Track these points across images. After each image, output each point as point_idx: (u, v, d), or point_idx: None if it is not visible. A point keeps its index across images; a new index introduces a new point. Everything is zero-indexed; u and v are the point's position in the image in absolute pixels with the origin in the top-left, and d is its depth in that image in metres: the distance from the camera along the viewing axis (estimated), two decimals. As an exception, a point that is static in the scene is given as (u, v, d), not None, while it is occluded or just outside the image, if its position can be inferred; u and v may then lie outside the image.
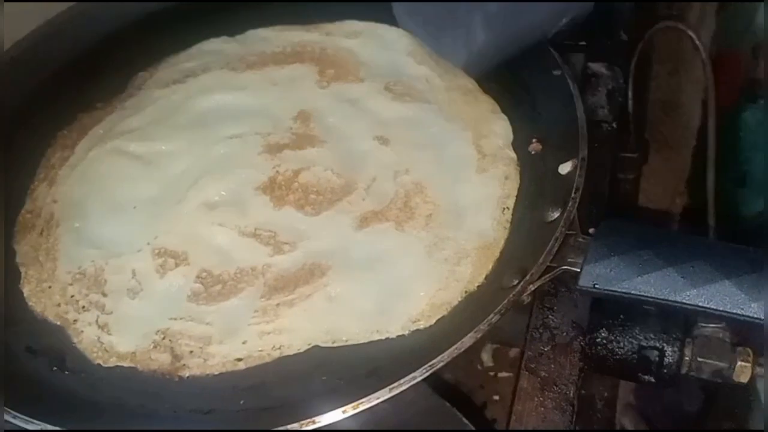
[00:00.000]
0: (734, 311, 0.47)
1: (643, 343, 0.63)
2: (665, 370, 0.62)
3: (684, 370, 0.60)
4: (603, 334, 0.63)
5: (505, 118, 0.68)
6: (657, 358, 0.62)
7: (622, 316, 0.63)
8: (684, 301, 0.49)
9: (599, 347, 0.63)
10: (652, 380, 0.62)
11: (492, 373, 0.80)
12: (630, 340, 0.63)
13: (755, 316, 0.46)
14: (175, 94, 0.74)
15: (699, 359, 0.59)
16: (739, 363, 0.58)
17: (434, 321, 0.55)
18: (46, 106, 0.75)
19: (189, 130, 0.70)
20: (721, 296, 0.48)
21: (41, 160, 0.71)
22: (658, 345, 0.62)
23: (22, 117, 0.74)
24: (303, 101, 0.71)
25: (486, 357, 0.81)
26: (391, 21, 0.79)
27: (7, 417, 0.50)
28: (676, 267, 0.49)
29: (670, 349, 0.61)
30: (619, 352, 0.63)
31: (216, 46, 0.79)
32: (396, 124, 0.69)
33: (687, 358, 0.60)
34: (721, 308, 0.48)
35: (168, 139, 0.69)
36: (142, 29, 0.82)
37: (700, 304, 0.48)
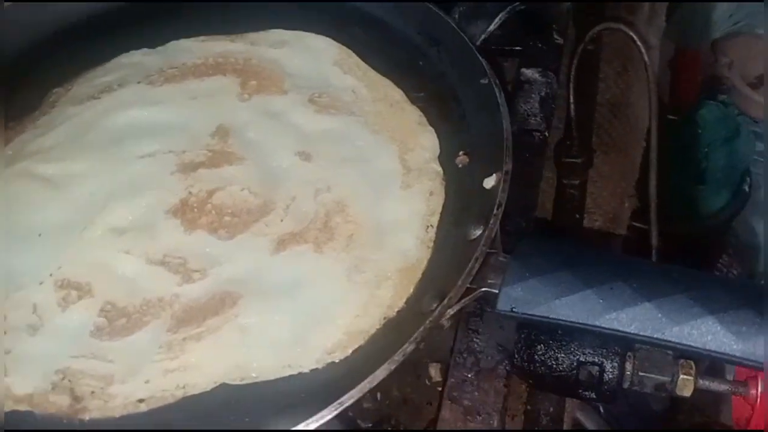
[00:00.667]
0: (654, 335, 0.45)
1: (582, 359, 0.61)
2: (606, 386, 0.60)
3: (626, 385, 0.59)
4: (540, 351, 0.61)
5: (432, 130, 0.66)
6: (597, 374, 0.60)
7: (559, 332, 0.61)
8: (602, 325, 0.47)
9: (537, 364, 0.61)
10: (593, 396, 0.61)
11: (440, 389, 0.78)
12: (568, 355, 0.61)
13: (675, 340, 0.44)
14: (89, 110, 0.70)
15: (640, 374, 0.57)
16: (681, 376, 0.56)
17: (350, 351, 0.52)
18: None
19: (101, 149, 0.66)
20: (640, 320, 0.45)
21: (-58, 186, 0.66)
22: (597, 360, 0.60)
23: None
24: (222, 115, 0.68)
25: (434, 372, 0.79)
26: (319, 30, 0.76)
27: None
28: (595, 288, 0.47)
29: (609, 364, 0.59)
30: (558, 369, 0.61)
31: (135, 58, 0.75)
32: (319, 138, 0.66)
33: (628, 373, 0.58)
34: (641, 333, 0.46)
35: (78, 159, 0.65)
36: (58, 42, 0.78)
37: (620, 328, 0.46)
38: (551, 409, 0.78)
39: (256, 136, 0.66)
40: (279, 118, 0.68)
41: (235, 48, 0.75)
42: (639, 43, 0.92)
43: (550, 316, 0.48)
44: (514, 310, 0.49)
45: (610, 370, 0.60)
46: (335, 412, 0.46)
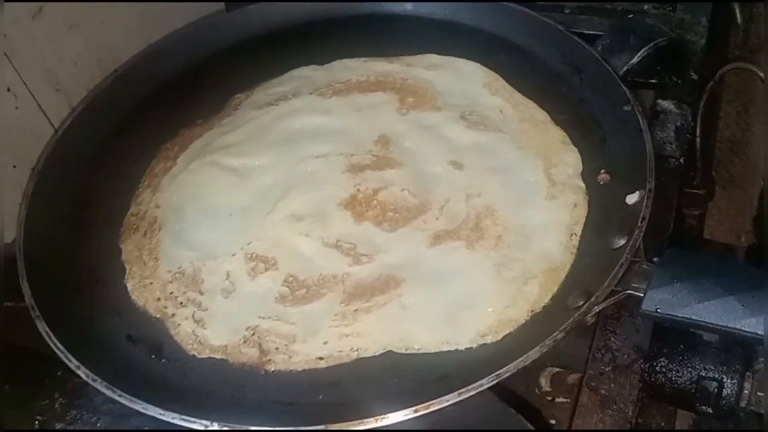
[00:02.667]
0: (794, 340, 0.49)
1: (702, 374, 0.64)
2: (723, 402, 0.63)
3: (743, 404, 0.62)
4: (663, 362, 0.64)
5: (575, 149, 0.72)
6: (715, 390, 0.64)
7: (682, 346, 0.65)
8: (743, 328, 0.51)
9: (659, 375, 0.65)
10: (710, 411, 0.63)
11: (549, 398, 0.82)
12: (689, 369, 0.64)
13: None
14: (267, 114, 0.80)
15: (759, 393, 0.60)
16: (800, 401, 0.59)
17: (501, 336, 0.59)
18: (150, 121, 0.83)
19: (279, 147, 0.76)
20: (781, 326, 0.50)
21: (146, 170, 0.78)
22: (717, 376, 0.63)
23: (128, 130, 0.82)
24: (383, 126, 0.77)
25: (544, 382, 0.83)
26: (469, 56, 0.84)
27: (111, 394, 0.56)
28: (737, 296, 0.51)
29: (729, 381, 0.63)
30: (678, 381, 0.65)
31: (306, 73, 0.86)
32: (469, 150, 0.73)
33: (746, 392, 0.61)
34: (781, 337, 0.50)
35: (260, 155, 0.75)
36: (239, 55, 0.90)
37: (759, 332, 0.50)
38: (662, 424, 0.81)
39: (413, 145, 0.75)
40: (433, 131, 0.76)
41: (393, 68, 0.84)
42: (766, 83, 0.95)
43: (693, 318, 0.53)
44: (658, 310, 0.54)
45: (729, 386, 0.63)
46: (493, 383, 0.52)
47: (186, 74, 0.88)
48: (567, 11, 0.98)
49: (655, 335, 0.64)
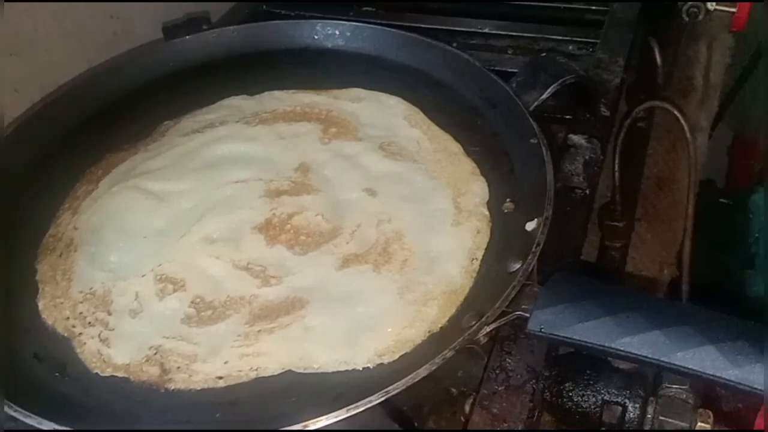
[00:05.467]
0: (661, 359, 0.52)
1: (606, 398, 0.67)
2: (627, 426, 0.65)
3: (646, 427, 0.64)
4: (569, 387, 0.67)
5: (483, 179, 0.75)
6: (620, 414, 0.66)
7: (588, 371, 0.67)
8: (618, 347, 0.54)
9: (565, 399, 0.67)
10: (614, 435, 0.66)
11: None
12: (594, 394, 0.67)
13: (680, 363, 0.51)
14: (193, 141, 0.82)
15: (660, 418, 0.63)
16: (699, 424, 0.61)
17: (398, 356, 0.60)
18: (79, 146, 0.84)
19: (201, 173, 0.78)
20: (651, 344, 0.52)
21: (69, 193, 0.79)
22: (620, 401, 0.66)
23: (56, 154, 0.83)
24: (305, 154, 0.79)
25: (468, 408, 0.85)
26: (392, 91, 0.88)
27: (8, 410, 0.56)
28: (613, 316, 0.54)
29: (632, 405, 0.65)
30: (584, 405, 0.67)
31: (235, 102, 0.88)
32: (385, 179, 0.76)
33: (649, 416, 0.64)
34: (650, 356, 0.52)
35: (181, 179, 0.77)
36: (174, 83, 0.92)
37: (633, 351, 0.53)
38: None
39: (332, 173, 0.77)
40: (352, 160, 0.79)
41: (319, 100, 0.88)
42: (682, 121, 1.01)
43: (573, 338, 0.55)
44: (542, 330, 0.56)
45: (632, 410, 0.65)
46: (381, 399, 0.54)
47: (119, 101, 0.90)
48: (495, 50, 1.03)
49: (562, 361, 0.67)
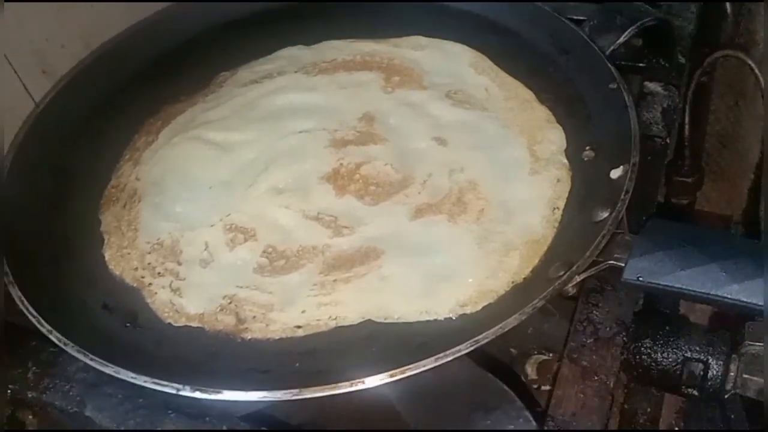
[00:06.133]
0: (776, 307, 0.48)
1: (687, 355, 0.63)
2: (709, 384, 0.62)
3: (729, 386, 0.61)
4: (647, 344, 0.64)
5: (560, 127, 0.72)
6: (701, 372, 0.63)
7: (667, 328, 0.64)
8: (726, 295, 0.50)
9: (643, 356, 0.64)
10: (695, 393, 0.63)
11: (535, 386, 0.82)
12: (674, 351, 0.63)
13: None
14: (252, 91, 0.80)
15: (744, 376, 0.60)
16: (787, 382, 0.58)
17: (480, 307, 0.58)
18: (134, 98, 0.82)
19: (262, 123, 0.75)
20: (761, 292, 0.49)
21: (128, 144, 0.77)
22: (702, 358, 0.63)
23: (111, 107, 0.81)
24: (368, 104, 0.76)
25: (530, 370, 0.83)
26: (456, 39, 0.84)
27: (83, 358, 0.55)
28: (719, 263, 0.51)
29: (714, 362, 0.62)
30: (663, 363, 0.64)
31: (292, 52, 0.85)
32: (454, 127, 0.73)
33: (732, 374, 0.61)
34: (761, 304, 0.49)
35: (243, 129, 0.75)
36: (227, 34, 0.90)
37: (741, 299, 0.50)
38: (648, 410, 0.80)
39: (398, 122, 0.74)
40: (418, 109, 0.75)
41: (379, 48, 0.84)
42: (757, 71, 0.95)
43: (675, 286, 0.52)
44: (639, 278, 0.53)
45: (715, 368, 0.62)
46: (470, 348, 0.51)
47: (172, 52, 0.88)
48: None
49: (641, 316, 0.64)
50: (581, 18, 0.85)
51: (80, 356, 0.55)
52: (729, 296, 0.50)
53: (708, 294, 0.51)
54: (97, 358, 0.55)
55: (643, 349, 0.64)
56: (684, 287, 0.52)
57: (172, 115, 0.79)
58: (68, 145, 0.76)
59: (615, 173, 0.63)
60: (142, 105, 0.81)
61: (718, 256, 0.51)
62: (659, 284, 0.53)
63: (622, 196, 0.60)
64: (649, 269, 0.53)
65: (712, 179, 1.11)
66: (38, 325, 0.57)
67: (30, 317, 0.58)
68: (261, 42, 0.87)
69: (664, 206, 0.98)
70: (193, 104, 0.80)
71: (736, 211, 1.09)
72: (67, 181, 0.73)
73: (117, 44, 0.86)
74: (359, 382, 0.50)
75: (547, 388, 0.80)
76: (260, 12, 0.92)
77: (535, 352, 0.73)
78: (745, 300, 0.50)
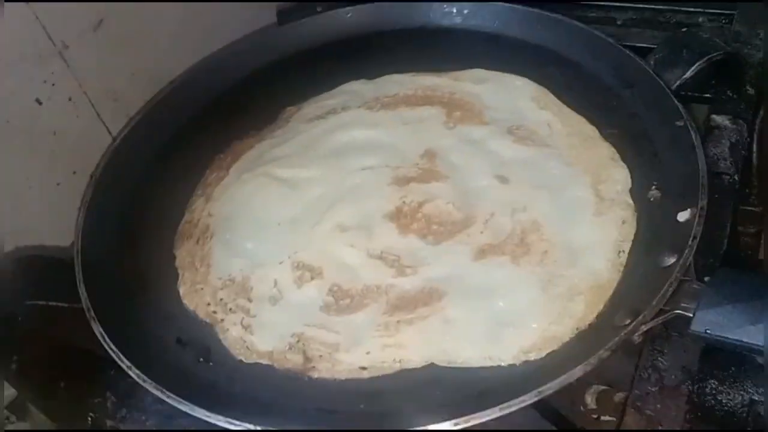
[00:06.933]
0: None
1: (755, 397, 0.62)
2: (776, 427, 0.61)
3: (795, 428, 0.59)
4: (713, 384, 0.63)
5: (624, 165, 0.71)
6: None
7: (733, 368, 0.63)
8: (797, 353, 0.49)
9: (708, 397, 0.63)
10: (760, 435, 0.62)
11: (595, 416, 0.81)
12: (741, 392, 0.62)
13: None
14: (316, 128, 0.82)
15: (811, 419, 0.58)
16: None
17: (545, 354, 0.58)
18: (204, 132, 0.86)
19: (328, 160, 0.77)
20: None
21: (200, 179, 0.81)
22: (769, 400, 0.61)
23: (183, 141, 0.85)
24: (430, 140, 0.77)
25: (590, 399, 0.82)
26: (516, 71, 0.84)
27: (159, 394, 0.58)
28: (792, 319, 0.50)
29: (782, 405, 0.61)
30: (728, 404, 0.63)
31: (355, 87, 0.87)
32: (516, 165, 0.73)
33: (799, 416, 0.59)
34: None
35: (309, 167, 0.77)
36: (290, 68, 0.92)
37: (816, 357, 0.49)
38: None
39: (459, 159, 0.75)
40: (479, 145, 0.76)
41: (440, 82, 0.85)
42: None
43: (744, 340, 0.51)
44: (708, 332, 0.53)
45: (782, 410, 0.61)
46: (535, 399, 0.52)
47: (238, 87, 0.91)
48: (619, 23, 0.97)
49: (705, 356, 0.63)
50: (645, 46, 0.85)
51: (157, 393, 0.58)
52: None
53: (780, 351, 0.50)
54: (174, 396, 0.57)
55: (707, 390, 0.63)
56: (753, 342, 0.51)
57: (241, 151, 0.82)
58: (143, 179, 0.80)
59: (682, 216, 0.63)
60: (212, 140, 0.84)
61: (790, 312, 0.50)
62: (728, 338, 0.52)
63: (689, 242, 0.59)
64: (717, 322, 0.53)
65: (781, 205, 1.07)
66: (118, 361, 0.60)
67: (111, 353, 0.61)
68: (323, 76, 0.90)
69: (731, 239, 0.95)
70: (260, 140, 0.83)
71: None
72: (143, 216, 0.77)
73: (187, 79, 0.90)
74: (423, 429, 0.51)
75: (607, 418, 0.80)
76: (322, 46, 0.94)
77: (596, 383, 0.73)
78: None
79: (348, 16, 0.96)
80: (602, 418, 0.81)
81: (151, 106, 0.86)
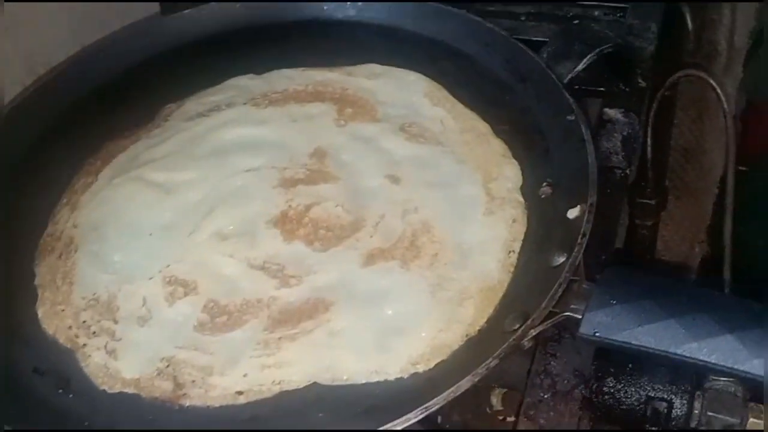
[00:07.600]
0: (735, 366, 0.47)
1: (651, 394, 0.62)
2: (673, 423, 0.60)
3: (693, 424, 0.59)
4: (610, 383, 0.62)
5: (516, 162, 0.69)
6: (665, 410, 0.61)
7: (630, 365, 0.62)
8: (684, 354, 0.48)
9: (606, 396, 0.62)
10: (659, 432, 0.61)
11: (501, 417, 0.80)
12: (638, 390, 0.62)
13: (755, 372, 0.46)
14: (198, 126, 0.76)
15: (709, 413, 0.58)
16: (751, 419, 0.57)
17: (433, 365, 0.55)
18: (75, 133, 0.78)
19: (209, 160, 0.72)
20: (722, 351, 0.47)
21: (66, 187, 0.73)
22: (666, 396, 0.61)
23: (50, 142, 0.77)
24: (320, 138, 0.73)
25: (495, 401, 0.81)
26: (411, 65, 0.81)
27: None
28: (678, 318, 0.48)
29: (678, 401, 0.60)
30: (626, 402, 0.62)
31: (242, 82, 0.82)
32: (408, 164, 0.70)
33: (696, 412, 0.59)
34: (721, 363, 0.47)
35: (188, 168, 0.71)
36: (174, 62, 0.85)
37: (701, 357, 0.48)
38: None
39: (350, 158, 0.71)
40: (371, 143, 0.72)
41: (333, 77, 0.81)
42: (719, 90, 0.94)
43: (632, 343, 0.50)
44: (596, 334, 0.51)
45: (679, 407, 0.60)
46: (421, 416, 0.49)
47: (116, 82, 0.84)
48: (522, 18, 0.96)
49: (602, 356, 0.62)
50: (542, 40, 0.83)
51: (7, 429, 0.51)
52: (687, 354, 0.48)
53: (666, 352, 0.49)
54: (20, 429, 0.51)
55: (605, 389, 0.63)
56: (641, 344, 0.50)
57: (114, 153, 0.75)
58: (3, 188, 0.72)
59: (572, 213, 0.61)
60: (82, 142, 0.77)
61: (677, 312, 0.49)
62: (616, 340, 0.51)
63: (579, 240, 0.57)
64: (605, 324, 0.51)
65: (675, 196, 1.09)
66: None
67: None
68: (209, 70, 0.83)
69: (630, 233, 0.96)
70: (136, 140, 0.76)
71: (701, 228, 1.08)
72: (1, 229, 0.69)
73: (58, 73, 0.81)
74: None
75: (513, 419, 0.78)
76: (209, 38, 0.88)
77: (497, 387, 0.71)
78: (703, 359, 0.48)
79: (236, 7, 0.90)
80: (508, 419, 0.80)
81: (13, 105, 0.78)
